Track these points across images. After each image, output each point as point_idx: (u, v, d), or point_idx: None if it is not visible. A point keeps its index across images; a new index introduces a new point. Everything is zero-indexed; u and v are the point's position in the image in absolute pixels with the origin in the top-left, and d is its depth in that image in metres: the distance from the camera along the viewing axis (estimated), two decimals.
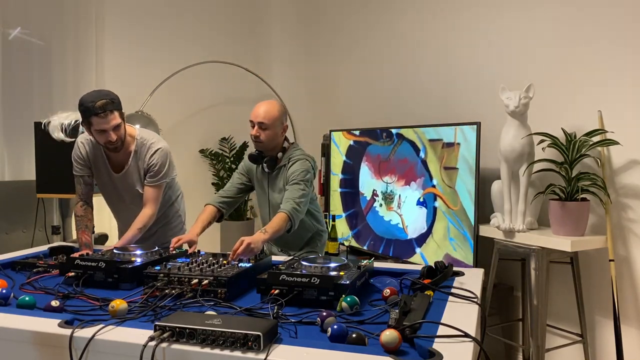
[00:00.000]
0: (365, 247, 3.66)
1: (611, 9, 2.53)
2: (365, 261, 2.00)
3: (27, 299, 1.63)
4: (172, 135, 4.24)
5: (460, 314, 1.54)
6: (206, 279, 1.75)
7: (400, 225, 3.34)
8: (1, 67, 3.80)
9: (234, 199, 2.69)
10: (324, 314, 1.47)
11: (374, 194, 3.57)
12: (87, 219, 2.50)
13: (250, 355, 1.24)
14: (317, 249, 2.73)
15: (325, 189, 4.11)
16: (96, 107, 2.24)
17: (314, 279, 1.69)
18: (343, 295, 1.63)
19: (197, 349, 1.27)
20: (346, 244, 3.81)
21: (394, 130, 3.37)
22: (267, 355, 1.23)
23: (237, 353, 1.25)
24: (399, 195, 3.35)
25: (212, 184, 4.79)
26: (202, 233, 2.50)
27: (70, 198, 3.54)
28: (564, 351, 2.79)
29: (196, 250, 2.24)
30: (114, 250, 2.15)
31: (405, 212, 3.31)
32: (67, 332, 1.38)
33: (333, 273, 1.77)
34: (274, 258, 2.32)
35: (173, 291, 1.73)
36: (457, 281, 1.93)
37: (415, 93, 3.71)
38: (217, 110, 4.83)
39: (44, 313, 1.56)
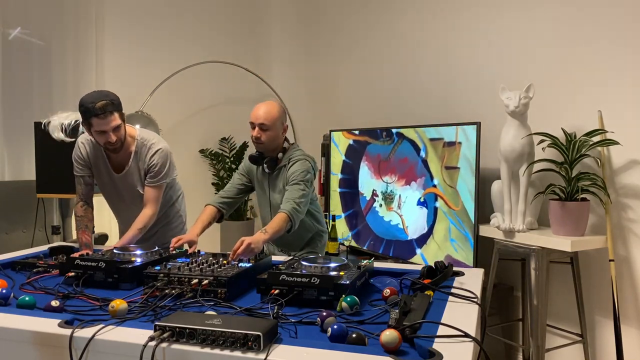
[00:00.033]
0: (365, 248, 3.65)
1: (611, 9, 2.53)
2: (365, 261, 2.00)
3: (27, 299, 1.63)
4: (172, 135, 4.24)
5: (460, 314, 1.54)
6: (206, 279, 1.75)
7: (401, 226, 3.34)
8: (1, 67, 3.80)
9: (234, 199, 2.69)
10: (324, 314, 1.47)
11: (374, 194, 3.56)
12: (87, 219, 2.50)
13: (250, 355, 1.24)
14: (318, 250, 2.73)
15: (325, 189, 4.11)
16: (96, 108, 2.24)
17: (314, 279, 1.69)
18: (343, 295, 1.63)
19: (197, 349, 1.27)
20: (346, 244, 3.80)
21: (394, 130, 3.37)
22: (267, 355, 1.23)
23: (237, 353, 1.25)
24: (399, 196, 3.34)
25: (212, 184, 4.79)
26: (202, 233, 2.51)
27: (70, 198, 3.54)
28: (564, 351, 2.79)
29: (196, 251, 2.24)
30: (114, 250, 2.15)
31: (405, 213, 3.30)
32: (67, 332, 1.38)
33: (333, 273, 1.77)
34: (274, 258, 2.32)
35: (173, 291, 1.73)
36: (457, 281, 1.93)
37: (415, 93, 3.71)
38: (217, 110, 4.83)
39: (44, 313, 1.56)
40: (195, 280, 1.74)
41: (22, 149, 3.86)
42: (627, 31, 2.47)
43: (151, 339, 1.29)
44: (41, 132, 3.25)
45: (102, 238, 3.76)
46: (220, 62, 4.56)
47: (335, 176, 3.94)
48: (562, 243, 2.42)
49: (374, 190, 3.56)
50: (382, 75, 4.00)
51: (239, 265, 1.95)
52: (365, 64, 4.17)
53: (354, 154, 3.74)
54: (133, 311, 1.56)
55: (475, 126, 2.76)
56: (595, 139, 2.47)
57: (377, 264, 2.22)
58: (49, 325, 1.44)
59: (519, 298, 3.01)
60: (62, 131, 3.18)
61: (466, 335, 1.33)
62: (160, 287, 1.76)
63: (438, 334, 1.34)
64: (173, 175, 2.59)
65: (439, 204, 3.03)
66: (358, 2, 4.20)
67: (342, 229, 3.85)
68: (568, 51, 2.72)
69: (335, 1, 4.43)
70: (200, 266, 1.89)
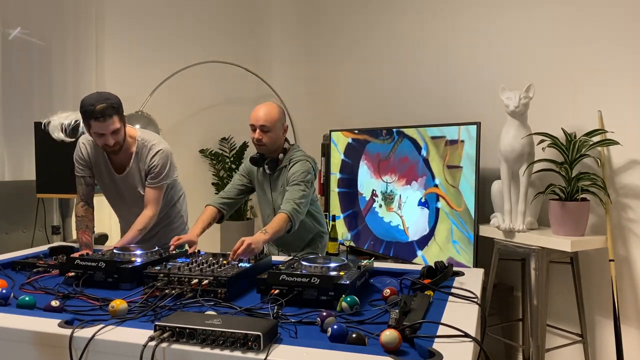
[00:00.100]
0: (364, 249, 3.64)
1: (611, 9, 2.53)
2: (365, 261, 2.00)
3: (27, 299, 1.63)
4: (172, 135, 4.24)
5: (460, 314, 1.54)
6: (206, 279, 1.75)
7: (401, 227, 3.31)
8: (1, 67, 3.80)
9: (234, 200, 2.70)
10: (324, 314, 1.47)
11: (374, 194, 3.54)
12: (87, 219, 2.50)
13: (250, 355, 1.24)
14: (318, 250, 2.73)
15: (325, 189, 4.10)
16: (95, 111, 2.24)
17: (314, 279, 1.69)
18: (343, 295, 1.63)
19: (197, 349, 1.27)
20: (346, 244, 3.80)
21: (394, 128, 3.34)
22: (267, 355, 1.23)
23: (237, 353, 1.25)
24: (400, 196, 3.32)
25: (212, 184, 4.79)
26: (202, 233, 2.51)
27: (70, 198, 3.54)
28: (564, 351, 2.79)
29: (196, 251, 2.24)
30: (114, 250, 2.15)
31: (406, 213, 3.27)
32: (67, 332, 1.38)
33: (333, 273, 1.77)
34: (274, 258, 2.32)
35: (173, 291, 1.73)
36: (457, 281, 1.93)
37: (416, 93, 3.70)
38: (217, 110, 4.83)
39: (44, 313, 1.56)
40: (195, 280, 1.74)
41: (22, 149, 3.86)
42: (627, 31, 2.47)
43: (151, 339, 1.29)
44: (41, 132, 3.25)
45: (102, 238, 3.76)
46: (220, 62, 4.56)
47: (334, 175, 3.93)
48: (562, 243, 2.42)
49: (373, 190, 3.54)
50: (382, 75, 4.00)
51: (239, 265, 1.95)
52: (365, 64, 4.17)
53: (353, 153, 3.72)
54: (133, 311, 1.56)
55: (475, 126, 2.75)
56: (595, 139, 2.47)
57: (377, 264, 2.22)
58: (49, 325, 1.44)
59: (519, 298, 3.00)
60: (62, 131, 3.19)
61: (466, 335, 1.33)
62: (160, 287, 1.76)
63: (438, 334, 1.34)
64: (174, 176, 2.59)
65: (441, 204, 2.99)
66: (358, 2, 4.20)
67: (342, 230, 3.83)
68: (568, 51, 2.72)
69: (335, 1, 4.43)
70: (200, 266, 1.89)
